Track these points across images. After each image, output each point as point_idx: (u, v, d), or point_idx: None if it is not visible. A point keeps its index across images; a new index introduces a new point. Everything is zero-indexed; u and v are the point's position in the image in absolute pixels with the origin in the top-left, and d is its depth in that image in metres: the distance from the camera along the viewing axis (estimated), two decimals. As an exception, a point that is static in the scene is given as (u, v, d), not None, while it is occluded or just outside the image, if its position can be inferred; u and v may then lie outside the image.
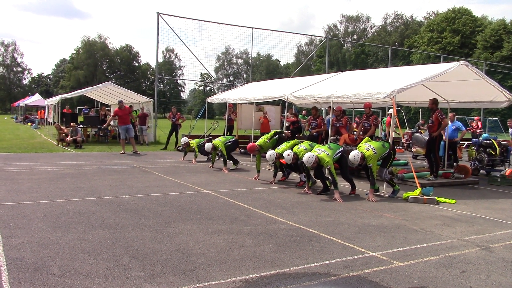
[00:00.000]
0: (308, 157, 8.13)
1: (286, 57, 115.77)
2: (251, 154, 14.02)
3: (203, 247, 4.93)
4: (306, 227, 5.95)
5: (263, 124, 17.82)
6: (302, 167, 8.89)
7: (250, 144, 10.88)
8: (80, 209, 6.58)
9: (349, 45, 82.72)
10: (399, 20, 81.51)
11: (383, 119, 19.91)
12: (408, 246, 5.22)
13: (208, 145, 12.06)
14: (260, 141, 10.96)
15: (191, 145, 13.48)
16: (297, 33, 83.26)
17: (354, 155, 8.21)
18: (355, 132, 13.11)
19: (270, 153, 9.32)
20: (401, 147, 20.36)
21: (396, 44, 72.81)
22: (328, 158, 8.11)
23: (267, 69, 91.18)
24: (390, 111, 17.21)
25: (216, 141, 12.08)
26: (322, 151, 8.33)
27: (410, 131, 17.14)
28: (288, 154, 8.76)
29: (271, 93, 14.79)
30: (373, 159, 8.14)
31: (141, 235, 5.31)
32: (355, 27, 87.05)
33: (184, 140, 13.85)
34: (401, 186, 9.40)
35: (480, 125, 21.61)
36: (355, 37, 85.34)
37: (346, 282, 4.04)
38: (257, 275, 4.13)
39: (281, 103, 19.37)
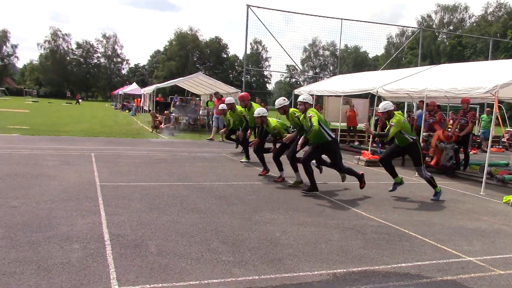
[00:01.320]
0: (385, 103, 7.73)
1: (375, 49, 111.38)
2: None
3: (290, 237, 4.97)
4: (396, 225, 5.75)
5: (349, 117, 17.49)
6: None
7: (244, 93, 10.63)
8: (174, 193, 6.95)
9: (444, 36, 77.86)
10: (502, 9, 74.90)
11: (482, 116, 18.55)
12: (510, 254, 4.83)
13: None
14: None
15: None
16: (388, 24, 79.58)
17: (386, 102, 7.78)
18: (449, 129, 12.36)
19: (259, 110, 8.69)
20: (501, 146, 18.90)
21: (498, 35, 67.09)
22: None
23: (355, 61, 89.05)
24: None
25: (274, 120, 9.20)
26: None
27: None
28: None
29: (360, 86, 14.44)
30: (398, 122, 7.35)
31: (230, 222, 5.48)
32: (451, 17, 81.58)
33: (222, 106, 12.24)
34: (503, 189, 8.71)
35: None
36: (451, 27, 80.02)
37: (440, 286, 3.85)
38: (344, 270, 4.08)
39: (370, 97, 18.83)
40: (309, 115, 7.24)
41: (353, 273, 4.02)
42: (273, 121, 8.77)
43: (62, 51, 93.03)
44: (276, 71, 54.37)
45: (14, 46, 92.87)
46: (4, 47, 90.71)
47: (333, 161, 7.73)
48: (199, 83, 24.56)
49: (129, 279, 3.61)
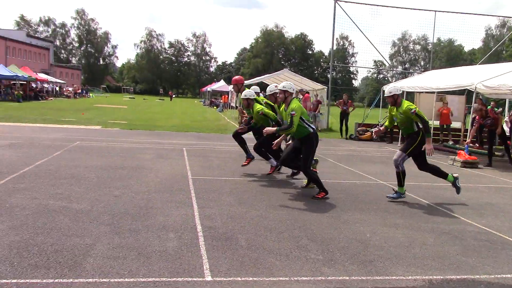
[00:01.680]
0: (391, 87, 6.96)
1: (471, 42, 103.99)
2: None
3: (381, 239, 4.81)
4: (498, 232, 5.32)
5: (442, 115, 16.51)
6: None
7: (238, 76, 9.35)
8: (261, 188, 7.05)
9: (554, 26, 70.49)
10: None
11: None
12: None
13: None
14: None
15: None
16: (486, 15, 74.17)
17: (392, 86, 6.99)
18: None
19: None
20: None
21: None
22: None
23: (448, 55, 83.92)
24: None
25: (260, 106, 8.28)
26: None
27: None
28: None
29: (456, 82, 13.58)
30: (416, 108, 6.64)
31: (318, 220, 5.43)
32: None
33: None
34: None
35: None
36: (562, 16, 72.23)
37: (553, 302, 3.50)
38: (441, 277, 3.85)
39: (466, 93, 17.66)
40: (292, 112, 6.44)
41: (451, 281, 3.79)
42: (259, 106, 8.21)
43: (156, 50, 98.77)
44: (362, 66, 53.15)
45: (114, 47, 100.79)
46: (106, 47, 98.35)
47: (303, 155, 6.63)
48: (285, 80, 24.64)
49: (221, 270, 3.72)
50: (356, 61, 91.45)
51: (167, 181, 7.12)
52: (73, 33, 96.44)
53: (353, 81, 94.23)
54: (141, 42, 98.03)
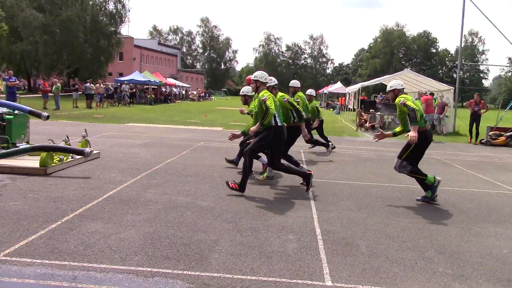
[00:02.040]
0: (394, 81, 6.48)
1: None
2: None
3: (522, 257, 4.30)
4: None
5: None
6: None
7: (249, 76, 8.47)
8: (382, 194, 6.78)
9: None
10: None
11: None
12: None
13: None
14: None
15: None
16: None
17: (395, 80, 6.56)
18: None
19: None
20: None
21: None
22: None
23: None
24: None
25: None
26: None
27: None
28: None
29: None
30: (407, 99, 6.05)
31: (446, 230, 5.04)
32: None
33: None
34: None
35: None
36: None
37: None
38: None
39: None
40: (263, 97, 6.16)
41: None
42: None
43: (273, 54, 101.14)
44: (495, 65, 48.81)
45: (235, 52, 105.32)
46: (227, 52, 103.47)
47: (255, 140, 6.52)
48: (406, 80, 23.43)
49: (341, 276, 3.64)
50: (487, 59, 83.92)
51: (285, 183, 7.21)
52: (198, 40, 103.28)
53: (483, 81, 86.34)
54: (259, 46, 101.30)
